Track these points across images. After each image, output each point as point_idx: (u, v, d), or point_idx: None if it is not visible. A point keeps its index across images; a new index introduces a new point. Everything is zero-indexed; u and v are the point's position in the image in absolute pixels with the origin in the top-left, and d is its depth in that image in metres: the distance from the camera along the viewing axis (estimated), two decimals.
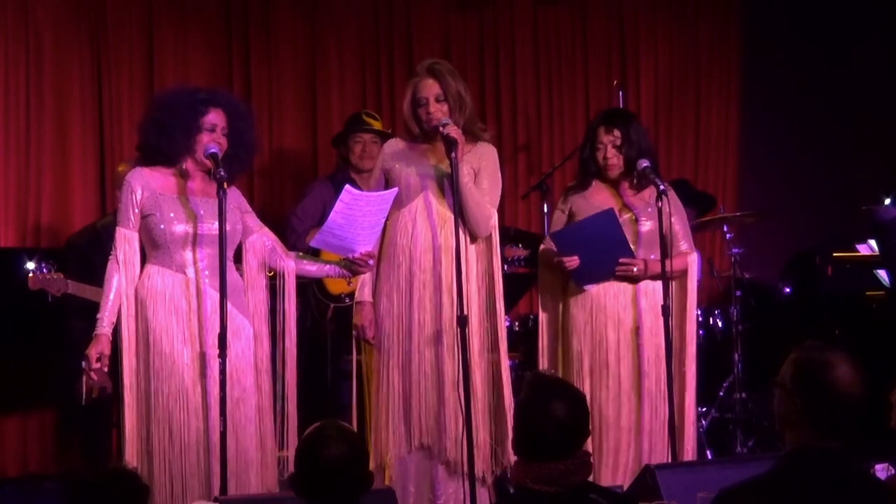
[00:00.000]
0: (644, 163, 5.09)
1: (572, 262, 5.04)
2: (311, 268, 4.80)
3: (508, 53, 7.70)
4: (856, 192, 7.58)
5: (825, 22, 8.25)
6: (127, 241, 4.52)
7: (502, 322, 4.93)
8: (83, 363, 4.45)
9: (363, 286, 4.88)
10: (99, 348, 4.44)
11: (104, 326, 4.47)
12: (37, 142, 6.62)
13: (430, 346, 4.78)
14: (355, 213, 4.56)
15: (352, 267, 4.72)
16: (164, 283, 4.49)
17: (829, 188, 8.25)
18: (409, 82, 4.95)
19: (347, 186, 4.61)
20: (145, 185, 4.51)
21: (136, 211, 4.52)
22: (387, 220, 4.84)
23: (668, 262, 4.98)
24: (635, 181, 5.16)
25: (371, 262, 4.69)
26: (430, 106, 4.82)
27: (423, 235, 4.82)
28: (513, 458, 4.63)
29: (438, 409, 4.79)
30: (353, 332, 4.90)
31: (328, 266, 4.78)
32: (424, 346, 4.80)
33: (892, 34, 8.16)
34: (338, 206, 4.54)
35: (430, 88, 4.84)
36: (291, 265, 4.68)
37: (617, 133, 5.14)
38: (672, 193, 5.10)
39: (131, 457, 4.44)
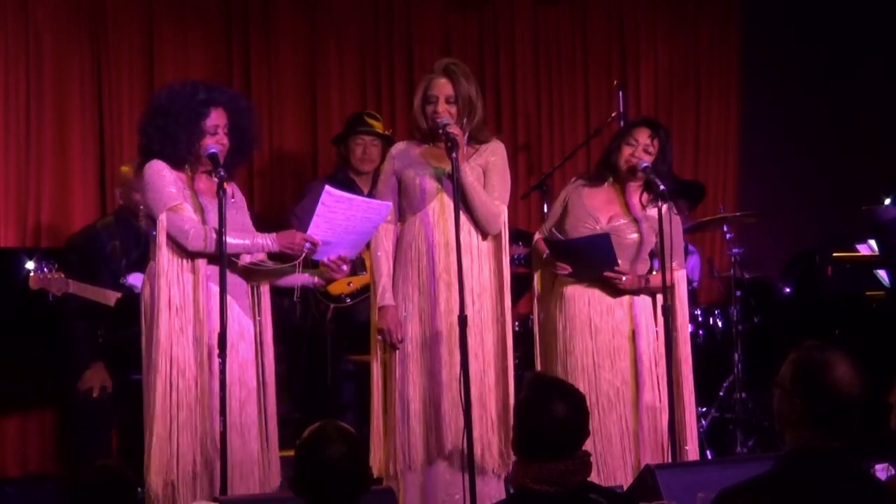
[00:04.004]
0: (644, 162, 5.10)
1: (563, 269, 5.09)
2: (284, 279, 4.76)
3: (508, 53, 7.70)
4: (856, 192, 7.57)
5: (825, 22, 8.25)
6: (188, 212, 4.46)
7: (509, 319, 4.95)
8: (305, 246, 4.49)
9: (384, 291, 4.85)
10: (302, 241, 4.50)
11: (267, 243, 4.51)
12: (37, 142, 6.61)
13: (457, 347, 4.78)
14: (338, 217, 4.53)
15: (323, 273, 4.70)
16: (171, 280, 4.48)
17: (829, 188, 8.25)
18: (424, 78, 4.96)
19: (327, 187, 4.56)
20: (172, 174, 4.51)
21: (177, 188, 4.48)
22: (401, 223, 4.86)
23: (641, 280, 5.09)
24: (642, 194, 5.17)
25: (345, 267, 4.66)
26: (438, 105, 4.84)
27: (443, 237, 4.82)
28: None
29: (460, 411, 4.77)
30: (378, 337, 4.88)
31: (304, 275, 4.75)
32: (454, 348, 4.80)
33: (892, 35, 8.16)
34: (319, 209, 4.50)
35: (443, 88, 4.85)
36: None
37: (657, 143, 5.13)
38: (676, 216, 5.10)
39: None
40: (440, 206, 4.85)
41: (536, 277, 5.32)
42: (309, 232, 4.54)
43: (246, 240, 4.48)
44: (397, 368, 4.86)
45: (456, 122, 4.82)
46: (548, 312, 5.23)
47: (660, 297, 5.12)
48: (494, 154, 4.95)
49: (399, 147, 5.01)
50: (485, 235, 4.90)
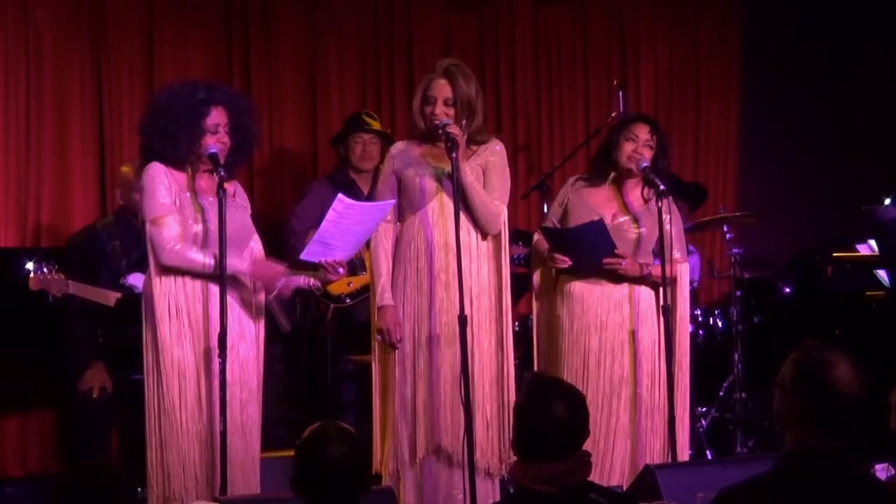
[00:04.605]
0: (644, 162, 5.13)
1: (564, 262, 5.09)
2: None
3: (508, 53, 7.70)
4: (856, 192, 7.57)
5: (825, 22, 8.25)
6: (179, 226, 4.46)
7: (508, 319, 4.95)
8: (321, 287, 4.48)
9: (383, 291, 4.86)
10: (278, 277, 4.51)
11: (241, 266, 4.50)
12: (37, 142, 6.61)
13: (451, 346, 4.79)
14: (347, 222, 4.55)
15: (319, 274, 4.71)
16: (175, 282, 4.48)
17: (829, 188, 8.25)
18: (424, 77, 4.97)
19: (340, 196, 4.60)
20: (169, 178, 4.50)
21: (173, 197, 4.48)
22: (400, 222, 4.86)
23: (644, 268, 5.09)
24: (643, 189, 5.20)
25: (341, 270, 4.67)
26: (436, 107, 4.84)
27: (442, 237, 4.83)
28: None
29: (457, 410, 4.78)
30: (378, 337, 4.89)
31: (300, 278, 4.77)
32: (446, 347, 4.81)
33: (892, 35, 8.16)
34: (330, 215, 4.53)
35: (442, 90, 4.86)
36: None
37: (655, 139, 5.18)
38: (671, 199, 5.12)
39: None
40: (439, 206, 4.86)
41: (536, 276, 5.33)
42: (317, 236, 4.56)
43: (208, 263, 4.44)
44: (397, 368, 4.87)
45: (456, 124, 4.82)
46: (551, 311, 5.24)
47: (653, 301, 5.15)
48: (494, 154, 4.96)
49: (399, 147, 5.02)
50: (484, 235, 4.91)
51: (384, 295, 4.86)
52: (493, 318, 4.91)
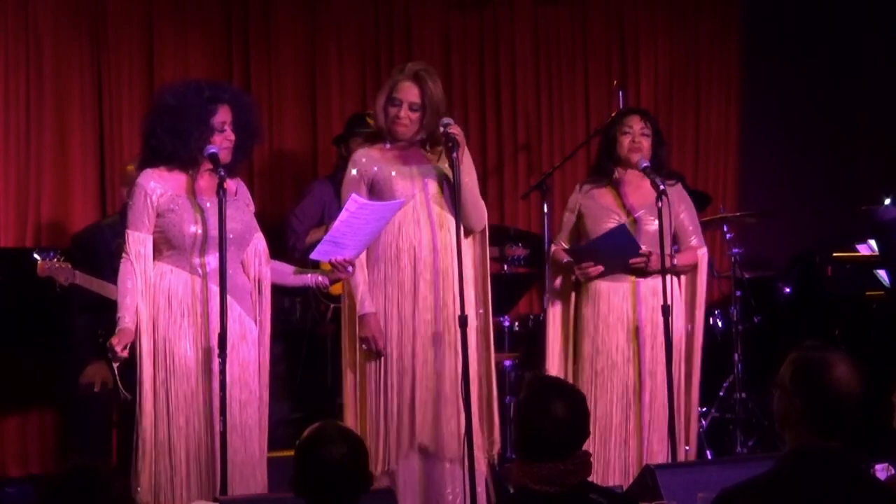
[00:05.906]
0: (644, 162, 5.15)
1: (595, 270, 5.14)
2: (288, 279, 4.78)
3: (508, 53, 7.70)
4: (856, 192, 7.57)
5: (825, 21, 8.26)
6: (141, 244, 4.47)
7: (489, 310, 4.96)
8: (108, 354, 4.39)
9: (363, 299, 4.83)
10: (124, 338, 4.37)
11: (127, 322, 4.41)
12: (37, 142, 6.62)
13: (432, 345, 4.79)
14: (359, 222, 4.56)
15: (329, 273, 4.71)
16: (175, 283, 4.47)
17: (829, 188, 8.25)
18: (391, 78, 4.93)
19: (354, 195, 4.60)
20: (159, 185, 4.48)
21: (151, 213, 4.46)
22: None
23: (668, 260, 5.09)
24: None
25: (350, 269, 4.67)
26: (401, 110, 4.82)
27: (424, 236, 4.82)
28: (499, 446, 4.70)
29: (440, 407, 4.79)
30: (363, 346, 4.87)
31: (308, 276, 4.76)
32: (428, 345, 4.80)
33: (893, 34, 8.16)
34: (343, 214, 4.54)
35: (408, 92, 4.83)
36: (267, 272, 4.68)
37: (650, 127, 5.24)
38: (680, 187, 5.16)
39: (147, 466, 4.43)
40: (419, 206, 4.83)
41: (558, 281, 5.32)
42: (328, 236, 4.57)
43: (123, 301, 4.45)
44: (383, 369, 4.85)
45: (420, 129, 4.81)
46: (577, 315, 5.24)
47: (661, 298, 5.15)
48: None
49: (362, 153, 4.96)
50: (467, 233, 4.90)
51: (364, 303, 4.84)
52: (476, 314, 4.90)
